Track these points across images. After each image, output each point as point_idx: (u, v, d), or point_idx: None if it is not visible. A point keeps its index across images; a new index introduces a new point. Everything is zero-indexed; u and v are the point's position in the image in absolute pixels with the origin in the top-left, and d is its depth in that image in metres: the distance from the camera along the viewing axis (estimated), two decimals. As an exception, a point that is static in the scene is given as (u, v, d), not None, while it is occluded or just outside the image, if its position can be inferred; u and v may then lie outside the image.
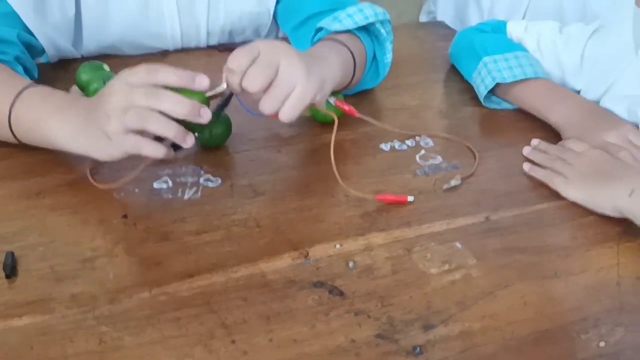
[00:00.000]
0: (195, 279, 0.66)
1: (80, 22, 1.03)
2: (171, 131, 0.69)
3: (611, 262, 0.72)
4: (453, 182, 0.82)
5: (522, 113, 0.99)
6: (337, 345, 0.60)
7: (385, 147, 0.89)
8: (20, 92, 0.77)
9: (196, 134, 0.72)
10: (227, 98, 0.77)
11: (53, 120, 0.75)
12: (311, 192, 0.80)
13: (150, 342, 0.59)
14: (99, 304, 0.63)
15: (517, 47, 1.02)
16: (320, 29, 0.96)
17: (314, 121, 0.92)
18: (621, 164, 0.79)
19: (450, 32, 1.27)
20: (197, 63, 1.08)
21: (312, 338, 0.61)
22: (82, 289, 0.64)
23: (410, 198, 0.78)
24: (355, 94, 0.99)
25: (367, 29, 0.97)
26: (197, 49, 1.13)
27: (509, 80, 0.97)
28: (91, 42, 1.06)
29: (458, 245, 0.73)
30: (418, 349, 0.60)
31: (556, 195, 0.81)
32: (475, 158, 0.88)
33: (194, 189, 0.79)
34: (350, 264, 0.69)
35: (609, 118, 0.90)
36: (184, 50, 1.12)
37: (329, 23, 0.94)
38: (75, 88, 0.91)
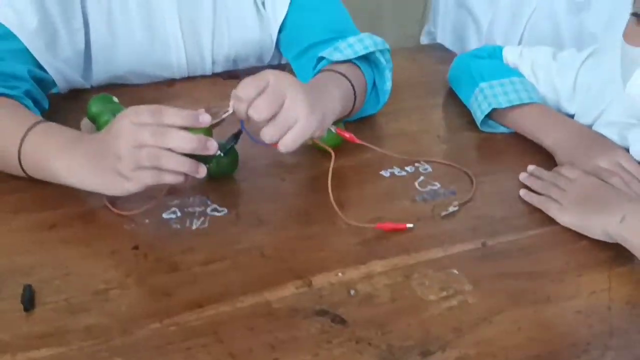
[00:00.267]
0: (204, 309, 0.69)
1: (89, 55, 1.07)
2: (185, 166, 0.73)
3: (602, 287, 0.74)
4: (451, 209, 0.85)
5: (519, 136, 1.02)
6: (339, 373, 0.63)
7: (386, 173, 0.92)
8: (28, 130, 0.80)
9: (207, 165, 0.75)
10: (236, 134, 0.81)
11: (58, 162, 0.78)
12: (313, 220, 0.83)
13: (161, 372, 0.62)
14: (112, 336, 0.65)
15: (512, 72, 1.05)
16: (321, 59, 0.99)
17: (315, 149, 0.95)
18: (613, 190, 0.82)
19: (449, 55, 1.31)
20: (203, 91, 1.12)
21: (316, 366, 0.64)
22: (96, 320, 0.67)
23: (409, 225, 0.81)
24: (356, 120, 1.02)
25: (367, 58, 0.99)
26: (203, 76, 1.17)
27: (504, 105, 1.00)
28: (100, 74, 1.09)
29: (455, 271, 0.75)
30: (416, 375, 0.63)
31: (550, 220, 0.84)
32: (472, 183, 0.91)
33: (202, 219, 0.82)
34: (352, 292, 0.72)
35: (602, 142, 0.93)
36: (189, 79, 1.15)
37: (330, 53, 0.97)
38: (86, 120, 0.95)
